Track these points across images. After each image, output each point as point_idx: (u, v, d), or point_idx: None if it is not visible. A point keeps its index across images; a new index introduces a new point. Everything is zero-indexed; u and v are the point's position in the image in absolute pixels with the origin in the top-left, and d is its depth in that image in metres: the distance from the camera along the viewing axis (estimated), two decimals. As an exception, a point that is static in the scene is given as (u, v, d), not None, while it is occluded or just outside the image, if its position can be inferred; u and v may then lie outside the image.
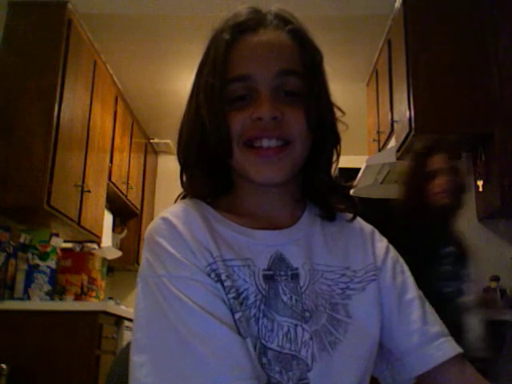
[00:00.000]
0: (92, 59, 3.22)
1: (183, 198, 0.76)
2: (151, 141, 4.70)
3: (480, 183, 2.50)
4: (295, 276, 0.68)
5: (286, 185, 0.72)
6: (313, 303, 0.67)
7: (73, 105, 2.93)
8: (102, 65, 3.39)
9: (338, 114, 0.76)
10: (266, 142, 0.67)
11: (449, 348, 0.70)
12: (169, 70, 3.64)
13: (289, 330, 0.64)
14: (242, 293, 0.64)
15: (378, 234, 0.80)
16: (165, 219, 0.67)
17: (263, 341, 0.63)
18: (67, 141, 2.85)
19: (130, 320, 2.71)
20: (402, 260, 0.79)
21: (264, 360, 0.62)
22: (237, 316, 0.62)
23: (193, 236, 0.65)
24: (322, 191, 0.76)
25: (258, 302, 0.64)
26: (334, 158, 0.76)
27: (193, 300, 0.60)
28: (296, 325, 0.65)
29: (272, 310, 0.65)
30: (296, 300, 0.66)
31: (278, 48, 0.69)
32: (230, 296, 0.63)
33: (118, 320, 2.78)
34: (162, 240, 0.65)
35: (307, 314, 0.66)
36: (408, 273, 0.77)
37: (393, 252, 0.78)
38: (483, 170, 2.49)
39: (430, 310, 0.74)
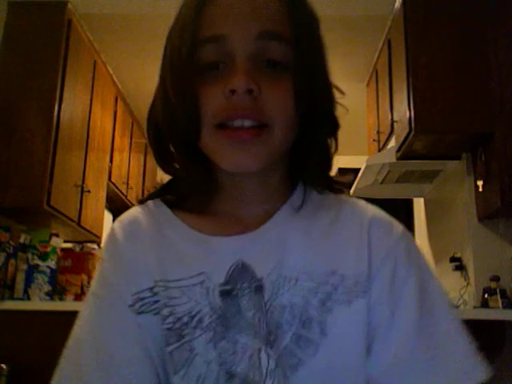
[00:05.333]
0: (92, 59, 3.22)
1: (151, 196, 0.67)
2: (151, 141, 4.69)
3: (480, 183, 2.49)
4: (259, 288, 0.56)
5: (265, 175, 0.61)
6: (280, 320, 0.55)
7: (73, 105, 2.93)
8: (101, 65, 3.39)
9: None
10: (238, 122, 0.55)
11: None
12: (169, 70, 3.64)
13: (252, 354, 0.54)
14: (195, 316, 0.55)
15: (380, 224, 0.61)
16: (112, 230, 0.62)
17: (227, 367, 0.54)
18: (67, 141, 2.85)
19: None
20: (413, 260, 0.59)
21: None
22: (169, 349, 0.54)
23: (135, 255, 0.59)
24: (312, 180, 0.64)
25: (214, 324, 0.55)
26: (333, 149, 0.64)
27: (100, 327, 0.57)
28: (260, 349, 0.54)
29: (232, 330, 0.55)
30: (259, 318, 0.55)
31: (261, 5, 0.56)
32: (164, 327, 0.55)
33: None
34: (103, 253, 0.62)
35: (272, 337, 0.55)
36: (415, 284, 0.57)
37: (396, 251, 0.59)
38: (483, 169, 2.49)
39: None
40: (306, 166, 0.62)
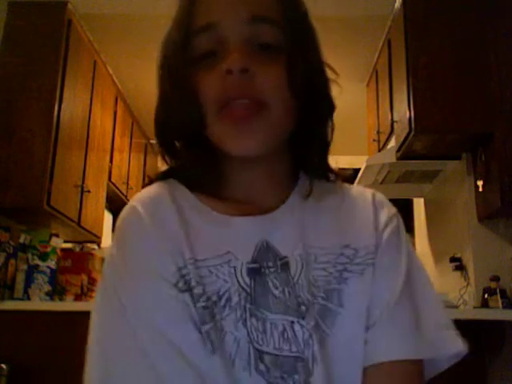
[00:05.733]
0: (92, 59, 3.22)
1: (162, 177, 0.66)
2: (151, 141, 4.69)
3: (480, 183, 2.49)
4: (285, 265, 0.58)
5: (272, 165, 0.63)
6: (308, 294, 0.57)
7: (73, 105, 2.93)
8: (101, 65, 3.39)
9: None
10: (235, 101, 0.56)
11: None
12: (169, 70, 3.64)
13: (285, 328, 0.55)
14: (223, 295, 0.56)
15: (381, 201, 0.67)
16: (133, 208, 0.60)
17: (256, 345, 0.54)
18: (67, 141, 2.85)
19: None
20: (402, 236, 0.64)
21: (261, 367, 0.54)
22: (205, 328, 0.53)
23: (162, 233, 0.58)
24: (314, 169, 0.66)
25: (243, 302, 0.56)
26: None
27: (145, 318, 0.53)
28: (292, 322, 0.55)
29: (262, 308, 0.56)
30: (289, 293, 0.57)
31: None
32: (199, 305, 0.54)
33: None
34: (128, 235, 0.59)
35: (303, 308, 0.56)
36: (403, 255, 0.62)
37: (393, 224, 0.64)
38: (483, 169, 2.49)
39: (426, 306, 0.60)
40: (307, 153, 0.65)
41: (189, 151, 0.63)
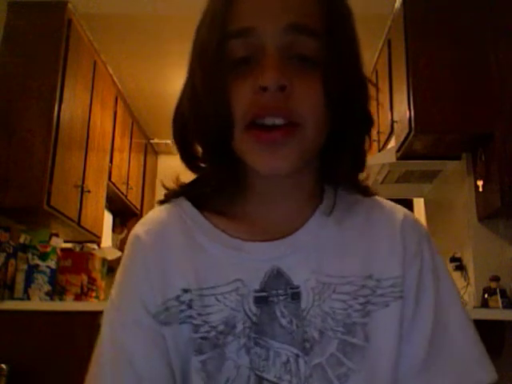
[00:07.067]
0: (92, 59, 3.22)
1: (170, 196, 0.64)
2: (151, 141, 4.70)
3: (480, 183, 2.49)
4: (296, 296, 0.55)
5: (299, 177, 0.59)
6: (317, 330, 0.54)
7: (73, 105, 2.93)
8: (101, 65, 3.39)
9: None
10: (269, 120, 0.52)
11: None
12: (169, 71, 3.64)
13: (288, 360, 0.54)
14: (228, 323, 0.54)
15: (411, 225, 0.61)
16: (135, 235, 0.60)
17: (257, 371, 0.53)
18: (67, 141, 2.85)
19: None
20: (438, 263, 0.61)
21: None
22: (200, 358, 0.53)
23: (162, 263, 0.57)
24: (344, 186, 0.62)
25: (248, 330, 0.54)
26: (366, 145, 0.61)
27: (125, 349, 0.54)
28: (297, 355, 0.54)
29: (266, 337, 0.54)
30: (297, 326, 0.54)
31: None
32: (197, 336, 0.54)
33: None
34: (126, 260, 0.59)
35: (307, 345, 0.54)
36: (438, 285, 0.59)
37: (425, 249, 0.60)
38: (483, 169, 2.49)
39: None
40: (338, 167, 0.60)
41: (209, 158, 0.60)
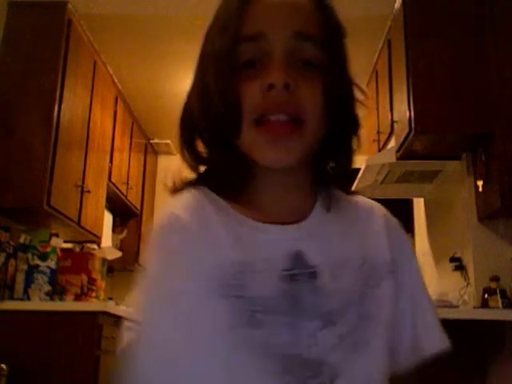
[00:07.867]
0: (92, 59, 3.22)
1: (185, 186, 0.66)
2: (151, 141, 4.70)
3: (480, 183, 2.49)
4: (315, 274, 0.60)
5: (297, 173, 0.65)
6: (337, 303, 0.60)
7: (73, 105, 2.93)
8: (101, 65, 3.39)
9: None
10: (274, 117, 0.59)
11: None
12: (169, 71, 3.64)
13: (314, 333, 0.58)
14: (260, 300, 0.57)
15: (391, 220, 0.71)
16: (171, 214, 0.60)
17: (288, 347, 0.57)
18: (67, 141, 2.85)
19: (130, 320, 2.70)
20: (415, 262, 0.71)
21: (289, 368, 0.56)
22: (241, 331, 0.56)
23: (204, 237, 0.59)
24: (332, 181, 0.68)
25: (275, 308, 0.57)
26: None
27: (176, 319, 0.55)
28: (322, 328, 0.58)
29: (295, 313, 0.58)
30: (320, 301, 0.59)
31: (296, 9, 0.62)
32: (236, 309, 0.56)
33: (118, 320, 2.78)
34: (166, 241, 0.59)
35: (331, 318, 0.59)
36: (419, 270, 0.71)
37: (404, 236, 0.71)
38: (483, 170, 2.49)
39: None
40: (331, 164, 0.67)
41: (218, 153, 0.64)
